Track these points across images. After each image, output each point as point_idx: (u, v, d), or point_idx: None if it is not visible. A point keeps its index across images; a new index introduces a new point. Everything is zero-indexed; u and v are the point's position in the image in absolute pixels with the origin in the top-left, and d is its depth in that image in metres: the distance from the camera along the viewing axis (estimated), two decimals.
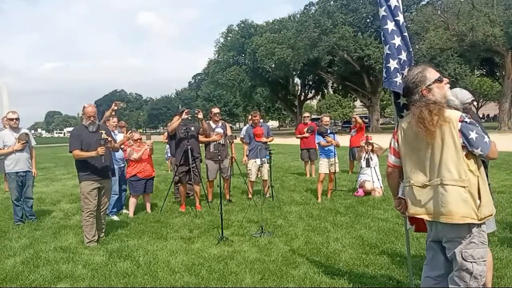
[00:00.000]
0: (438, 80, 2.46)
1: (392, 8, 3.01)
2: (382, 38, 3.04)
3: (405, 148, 2.55)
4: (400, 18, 3.01)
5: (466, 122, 2.29)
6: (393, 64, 2.91)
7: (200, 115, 6.89)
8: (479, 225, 2.31)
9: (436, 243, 2.50)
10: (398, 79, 2.87)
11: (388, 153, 2.74)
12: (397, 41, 2.97)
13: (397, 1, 3.02)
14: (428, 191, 2.40)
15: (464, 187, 2.27)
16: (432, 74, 2.48)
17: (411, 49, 3.01)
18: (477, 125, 2.31)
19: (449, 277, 2.41)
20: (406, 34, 3.01)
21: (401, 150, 2.58)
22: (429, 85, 2.44)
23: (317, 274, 3.83)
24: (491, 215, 2.34)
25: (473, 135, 2.27)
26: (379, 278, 3.72)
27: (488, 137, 2.33)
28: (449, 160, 2.30)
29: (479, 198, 2.28)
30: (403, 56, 2.95)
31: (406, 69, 2.90)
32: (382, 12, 3.03)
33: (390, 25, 2.99)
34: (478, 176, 2.31)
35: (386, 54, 2.96)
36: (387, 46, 2.96)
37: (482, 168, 2.36)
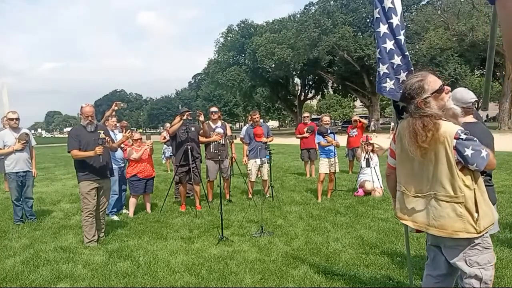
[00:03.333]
0: (438, 92, 2.31)
1: (386, 10, 2.90)
2: (376, 41, 2.95)
3: (400, 153, 2.48)
4: (394, 20, 2.88)
5: (462, 139, 2.18)
6: (382, 68, 2.81)
7: (202, 118, 6.90)
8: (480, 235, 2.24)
9: (435, 246, 2.46)
10: (388, 85, 2.79)
11: (387, 154, 2.71)
12: (389, 45, 2.86)
13: (392, 3, 2.90)
14: (418, 201, 2.34)
15: (459, 203, 2.19)
16: (431, 85, 2.31)
17: (406, 53, 2.87)
18: (474, 139, 2.20)
19: (458, 282, 2.39)
20: (400, 37, 2.87)
21: (396, 154, 2.52)
22: (426, 97, 2.29)
23: (317, 274, 3.84)
24: (492, 224, 2.27)
25: (468, 151, 2.16)
26: (379, 278, 3.72)
27: (491, 142, 2.26)
28: (443, 177, 2.22)
29: (477, 211, 2.20)
30: (397, 60, 2.83)
31: (403, 74, 2.80)
32: (376, 14, 2.93)
33: (383, 28, 2.88)
34: (474, 189, 2.22)
35: (377, 59, 2.87)
36: (378, 50, 2.87)
37: (480, 180, 2.27)
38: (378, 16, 2.92)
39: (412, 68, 2.91)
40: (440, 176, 2.23)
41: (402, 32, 2.97)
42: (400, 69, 2.85)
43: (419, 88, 2.32)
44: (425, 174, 2.30)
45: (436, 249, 2.47)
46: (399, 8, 2.96)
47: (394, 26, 2.89)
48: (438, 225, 2.25)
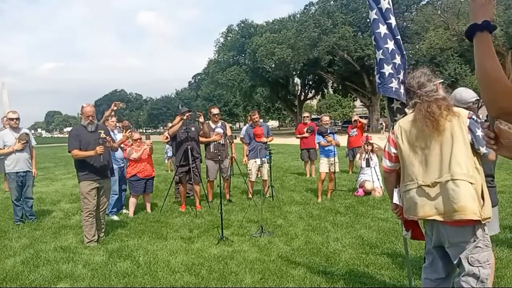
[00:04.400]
0: (441, 82, 2.47)
1: (384, 10, 2.90)
2: (374, 43, 2.92)
3: (409, 149, 2.45)
4: (392, 21, 2.90)
5: (473, 119, 2.29)
6: (387, 69, 2.81)
7: (201, 119, 6.90)
8: (483, 228, 2.28)
9: (436, 249, 2.46)
10: (394, 85, 2.79)
11: (382, 157, 2.68)
12: (391, 45, 2.87)
13: (389, 3, 2.91)
14: (437, 189, 2.33)
15: (471, 183, 2.25)
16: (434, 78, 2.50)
17: (404, 52, 2.92)
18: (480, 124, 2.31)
19: (455, 281, 2.39)
20: (399, 37, 2.91)
21: (404, 152, 2.48)
22: (440, 82, 2.44)
23: (317, 274, 3.84)
24: (490, 217, 2.31)
25: (479, 132, 2.25)
26: (379, 278, 3.72)
27: None
28: (459, 155, 2.27)
29: (482, 198, 2.26)
30: (397, 60, 2.86)
31: (402, 73, 2.84)
32: (373, 15, 2.92)
33: (383, 29, 2.88)
34: (481, 175, 2.29)
35: (380, 60, 2.85)
36: (381, 51, 2.85)
37: (482, 171, 2.34)
38: (376, 17, 2.91)
39: (406, 67, 2.92)
40: (457, 154, 2.28)
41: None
42: (400, 69, 2.86)
43: (434, 75, 2.48)
44: (441, 157, 2.32)
45: (436, 253, 2.46)
46: (392, 9, 2.97)
47: (393, 26, 2.90)
48: (459, 207, 2.23)
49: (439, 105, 2.32)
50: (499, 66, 1.30)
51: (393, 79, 2.80)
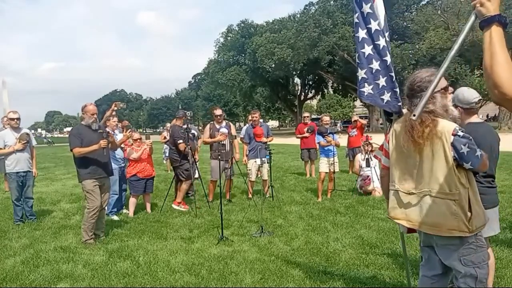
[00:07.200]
0: (444, 89, 2.33)
1: (365, 15, 2.91)
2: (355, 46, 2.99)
3: (394, 152, 2.46)
4: (373, 25, 2.89)
5: (459, 136, 2.20)
6: (361, 73, 2.86)
7: (196, 156, 7.12)
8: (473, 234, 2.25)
9: (429, 247, 2.46)
10: (366, 90, 2.81)
11: (380, 155, 2.67)
12: (367, 50, 2.88)
13: (371, 7, 2.91)
14: (413, 198, 2.34)
15: (454, 200, 2.20)
16: (440, 82, 2.26)
17: (385, 58, 2.88)
18: (470, 138, 2.21)
19: (455, 283, 2.39)
20: (379, 42, 2.88)
21: (391, 153, 2.49)
22: (434, 92, 2.25)
23: (317, 274, 3.84)
24: (484, 225, 2.27)
25: (464, 149, 2.18)
26: (379, 278, 3.72)
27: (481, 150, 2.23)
28: (439, 173, 2.22)
29: (470, 210, 2.21)
30: (375, 65, 2.86)
31: (382, 79, 2.83)
32: (355, 19, 2.95)
33: (361, 33, 2.91)
34: (468, 188, 2.23)
35: (357, 63, 2.90)
36: (357, 55, 2.90)
37: (473, 180, 2.28)
38: (357, 21, 2.94)
39: (392, 74, 2.88)
40: (437, 172, 2.23)
41: (386, 34, 2.94)
42: (379, 74, 2.86)
43: (430, 82, 2.26)
44: (420, 170, 2.30)
45: (430, 250, 2.46)
46: (381, 12, 2.93)
47: (372, 31, 2.90)
48: (432, 222, 2.25)
49: (423, 120, 2.22)
50: (508, 57, 1.37)
51: (365, 83, 2.84)
